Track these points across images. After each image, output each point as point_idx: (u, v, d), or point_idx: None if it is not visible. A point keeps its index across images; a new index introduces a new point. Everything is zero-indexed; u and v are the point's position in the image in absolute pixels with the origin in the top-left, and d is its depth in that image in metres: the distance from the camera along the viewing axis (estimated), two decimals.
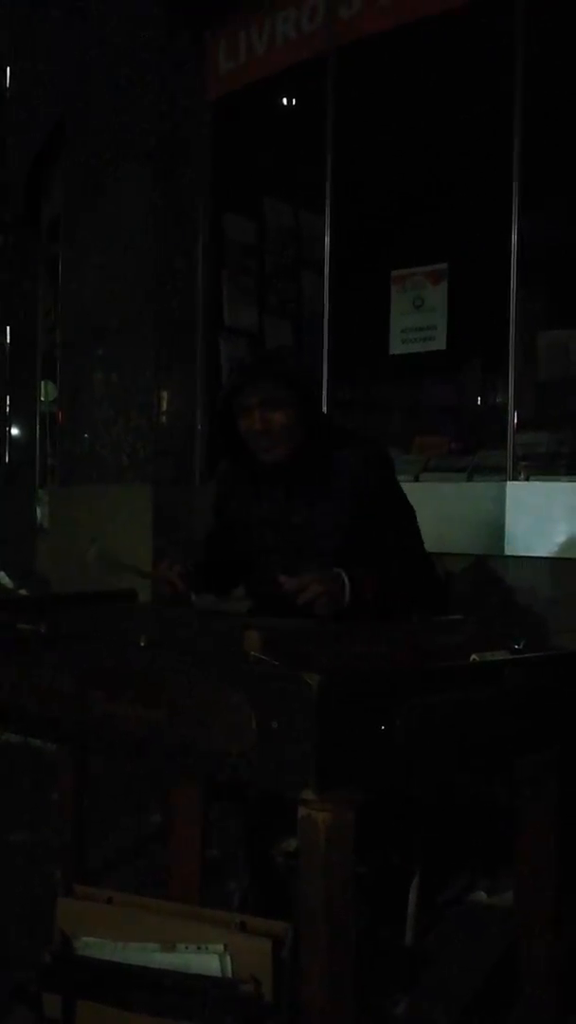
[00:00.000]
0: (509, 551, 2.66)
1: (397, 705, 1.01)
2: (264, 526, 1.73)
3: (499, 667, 1.20)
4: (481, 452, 3.06)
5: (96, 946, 1.24)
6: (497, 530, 2.69)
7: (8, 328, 6.54)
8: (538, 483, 2.74)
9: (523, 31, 2.81)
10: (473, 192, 3.21)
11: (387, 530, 1.67)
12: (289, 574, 1.55)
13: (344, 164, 3.35)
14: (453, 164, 3.48)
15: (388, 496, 1.70)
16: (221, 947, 1.18)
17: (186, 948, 1.19)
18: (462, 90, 3.26)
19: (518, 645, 1.29)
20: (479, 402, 3.68)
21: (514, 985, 1.34)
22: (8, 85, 6.35)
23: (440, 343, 3.08)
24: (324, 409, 1.78)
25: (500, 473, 2.84)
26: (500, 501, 2.71)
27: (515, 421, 2.85)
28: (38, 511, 5.80)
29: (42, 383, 6.01)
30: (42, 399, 6.03)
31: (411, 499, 1.76)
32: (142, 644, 1.21)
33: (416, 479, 2.97)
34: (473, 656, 1.23)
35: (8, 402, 6.63)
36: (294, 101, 3.94)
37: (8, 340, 6.53)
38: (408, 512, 1.74)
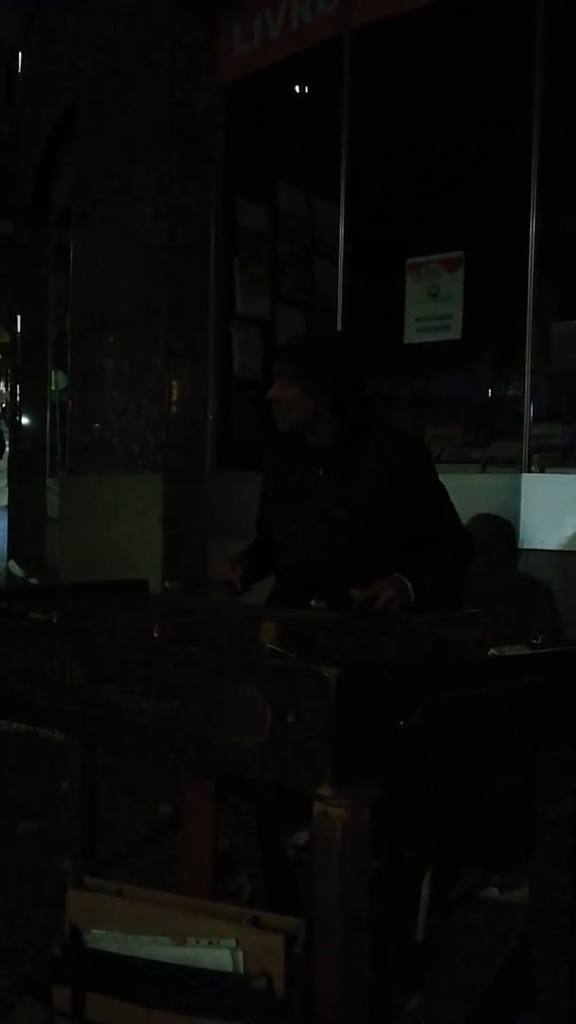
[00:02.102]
0: (524, 544, 2.63)
1: (415, 700, 0.99)
2: (292, 501, 1.80)
3: (518, 662, 1.17)
4: (495, 444, 3.03)
5: (106, 939, 1.23)
6: (512, 523, 2.66)
7: (19, 317, 6.53)
8: (554, 475, 2.71)
9: (544, 13, 2.75)
10: (491, 179, 3.16)
11: (428, 517, 1.76)
12: (304, 548, 1.66)
13: (359, 150, 3.30)
14: (470, 150, 3.43)
15: (424, 484, 1.78)
16: (233, 942, 1.17)
17: (197, 942, 1.18)
18: (480, 74, 3.20)
19: (537, 639, 1.27)
20: (493, 393, 3.64)
21: (527, 982, 1.32)
22: (20, 71, 6.30)
23: (456, 332, 3.04)
24: (362, 398, 1.88)
25: (514, 465, 2.81)
26: (515, 493, 2.68)
27: (531, 412, 2.81)
28: (49, 500, 5.80)
29: (53, 372, 6.00)
30: (53, 388, 6.02)
31: None
32: (155, 635, 1.19)
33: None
34: (492, 650, 1.20)
35: (19, 391, 6.62)
36: (308, 85, 3.89)
37: (19, 329, 6.51)
38: (443, 492, 1.82)
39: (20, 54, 6.26)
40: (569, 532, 2.55)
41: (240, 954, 1.16)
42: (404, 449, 1.76)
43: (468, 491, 2.80)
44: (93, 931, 1.24)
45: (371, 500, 1.71)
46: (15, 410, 6.66)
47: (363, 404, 1.82)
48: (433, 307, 3.08)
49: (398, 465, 1.73)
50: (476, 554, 1.87)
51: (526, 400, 2.82)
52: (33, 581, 5.19)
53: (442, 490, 1.82)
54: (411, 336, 3.15)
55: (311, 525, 1.75)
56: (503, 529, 2.61)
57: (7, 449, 6.83)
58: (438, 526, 1.77)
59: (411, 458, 1.76)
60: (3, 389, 11.91)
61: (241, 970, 1.16)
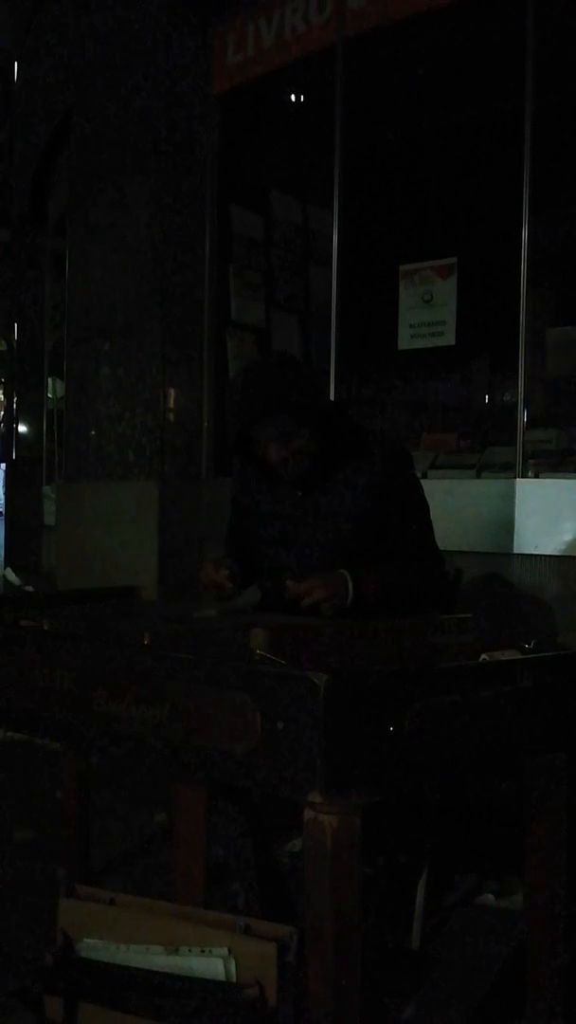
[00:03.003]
0: (518, 549, 2.64)
1: (406, 705, 0.99)
2: (274, 522, 1.73)
3: (510, 667, 1.17)
4: (490, 449, 3.03)
5: (98, 948, 1.22)
6: (506, 527, 2.66)
7: (16, 325, 6.54)
8: (548, 480, 2.71)
9: (535, 22, 2.77)
10: (483, 186, 3.18)
11: (397, 526, 1.67)
12: (297, 570, 1.54)
13: (352, 157, 3.31)
14: (463, 157, 3.45)
15: (404, 492, 1.71)
16: (225, 950, 1.16)
17: (189, 951, 1.18)
18: (473, 82, 3.22)
19: (529, 645, 1.27)
20: (487, 399, 3.65)
21: (522, 989, 1.31)
22: (15, 80, 6.33)
23: (449, 338, 3.05)
24: (339, 407, 1.76)
25: (509, 470, 2.82)
26: (510, 498, 2.68)
27: (525, 418, 2.81)
28: (45, 508, 5.80)
29: (49, 380, 6.00)
30: (49, 396, 6.02)
31: None
32: (145, 642, 1.19)
33: (424, 476, 2.94)
34: (483, 656, 1.20)
35: (15, 399, 6.63)
36: (302, 94, 3.91)
37: (16, 337, 6.52)
38: (421, 508, 1.74)
39: (16, 63, 6.29)
40: (563, 537, 2.55)
41: (232, 962, 1.15)
42: (388, 459, 1.69)
43: (463, 496, 2.80)
44: (85, 940, 1.23)
45: (360, 515, 1.65)
46: (12, 418, 6.66)
47: (345, 416, 1.75)
48: (427, 313, 3.09)
49: (383, 475, 1.66)
50: (446, 583, 1.77)
51: (520, 405, 2.83)
52: (29, 588, 5.18)
53: (422, 506, 1.74)
54: (405, 342, 3.16)
55: (302, 545, 1.69)
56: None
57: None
58: (408, 538, 1.68)
59: (395, 468, 1.69)
60: (0, 397, 11.93)
61: (234, 979, 1.15)
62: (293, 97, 3.97)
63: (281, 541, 1.71)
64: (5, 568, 6.00)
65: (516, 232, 2.81)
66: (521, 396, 2.83)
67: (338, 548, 1.65)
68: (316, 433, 1.64)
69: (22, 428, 6.54)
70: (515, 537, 2.64)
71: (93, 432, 3.97)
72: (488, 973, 1.58)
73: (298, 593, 1.52)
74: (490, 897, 1.86)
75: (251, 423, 1.64)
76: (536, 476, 2.75)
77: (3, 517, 6.23)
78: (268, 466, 1.69)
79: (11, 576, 5.70)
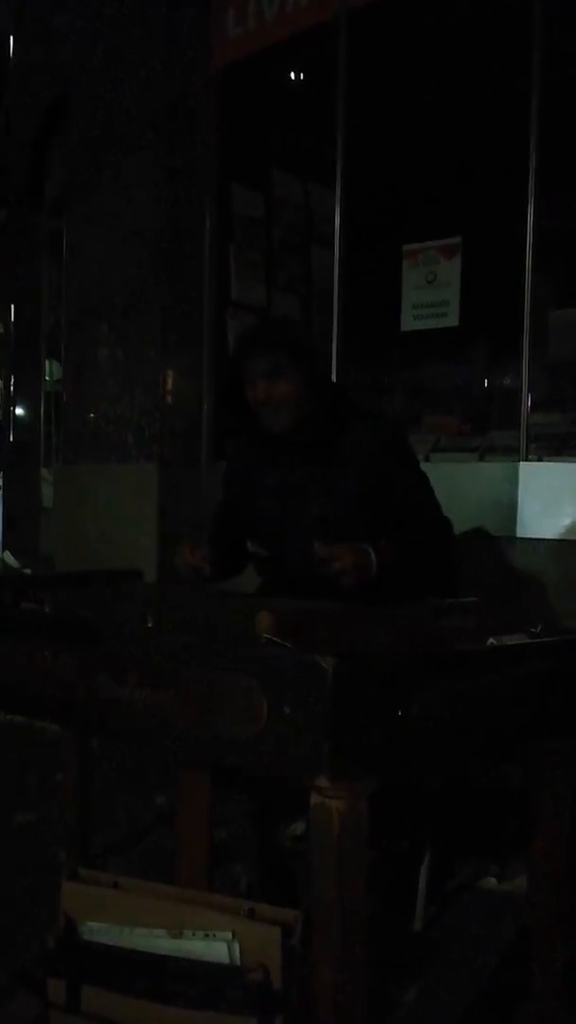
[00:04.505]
0: (521, 532, 2.62)
1: (414, 690, 0.97)
2: (274, 498, 1.72)
3: (517, 651, 1.16)
4: (493, 432, 3.01)
5: (101, 931, 1.21)
6: (509, 511, 2.65)
7: (12, 307, 6.47)
8: (551, 464, 2.69)
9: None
10: (488, 165, 3.13)
11: (405, 501, 1.68)
12: (299, 545, 1.56)
13: (355, 135, 3.26)
14: (468, 135, 3.39)
15: (403, 468, 1.71)
16: (229, 934, 1.16)
17: (193, 935, 1.17)
18: (478, 58, 3.16)
19: (535, 629, 1.25)
20: (490, 381, 3.62)
21: (525, 972, 1.31)
22: (11, 57, 6.22)
23: (453, 320, 3.01)
24: (336, 383, 1.77)
25: (512, 454, 2.80)
26: (512, 482, 2.67)
27: (528, 401, 2.79)
28: (43, 491, 5.77)
29: (47, 362, 5.95)
30: (47, 378, 5.97)
31: None
32: (149, 625, 1.18)
33: (426, 459, 2.92)
34: (491, 640, 1.19)
35: (13, 382, 6.58)
36: (304, 69, 3.84)
37: (12, 319, 6.45)
38: (423, 481, 1.74)
39: (11, 40, 6.17)
40: (566, 521, 2.54)
41: (236, 946, 1.15)
42: (382, 435, 1.68)
43: (466, 480, 2.78)
44: (88, 923, 1.22)
45: (357, 491, 1.64)
46: (9, 401, 6.62)
47: (338, 387, 1.76)
48: (430, 294, 3.06)
49: (377, 451, 1.65)
50: (455, 544, 1.78)
51: (524, 389, 2.81)
52: (27, 571, 5.17)
53: (421, 476, 1.75)
54: (408, 323, 3.12)
55: (298, 524, 1.67)
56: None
57: None
58: (415, 510, 1.68)
59: (389, 443, 1.68)
60: None
61: (238, 962, 1.15)
62: (295, 73, 3.90)
63: (278, 521, 1.70)
64: (4, 551, 5.99)
65: (521, 213, 2.77)
66: (525, 379, 2.80)
67: (336, 528, 1.63)
68: (305, 385, 1.63)
69: (19, 411, 6.49)
70: (518, 521, 2.63)
71: (92, 415, 3.94)
72: (491, 956, 1.58)
73: (325, 556, 1.51)
74: (492, 880, 1.86)
75: (243, 359, 1.65)
76: (539, 459, 2.73)
77: (1, 500, 6.21)
78: (263, 436, 1.67)
79: (9, 559, 5.69)
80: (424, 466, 1.81)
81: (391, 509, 1.65)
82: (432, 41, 3.24)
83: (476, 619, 1.32)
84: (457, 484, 2.72)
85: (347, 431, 1.66)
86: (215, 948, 1.15)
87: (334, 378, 3.28)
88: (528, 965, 1.29)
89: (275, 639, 1.01)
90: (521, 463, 2.72)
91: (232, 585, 1.83)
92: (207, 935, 1.16)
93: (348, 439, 1.66)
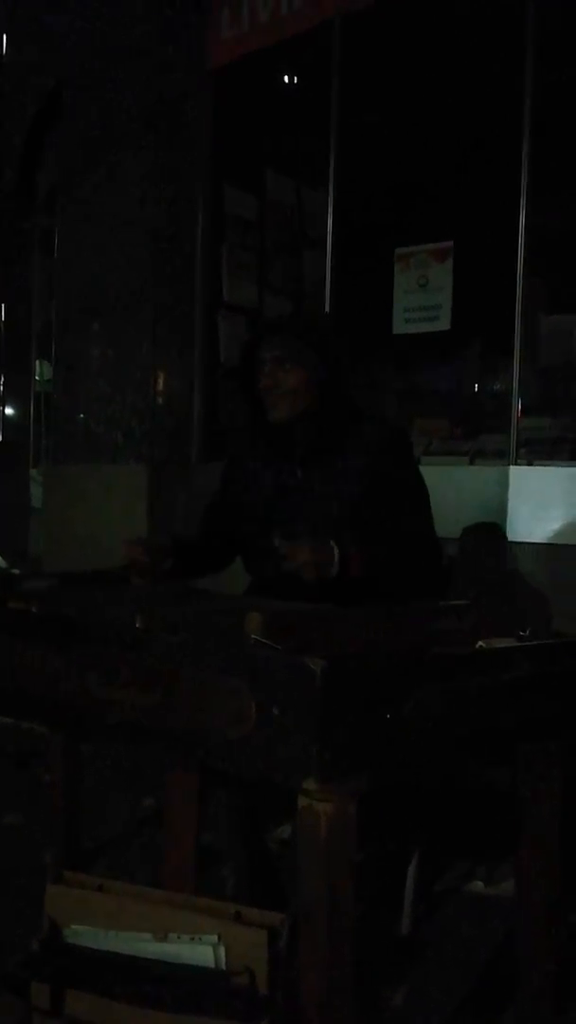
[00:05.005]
0: (511, 536, 2.63)
1: (404, 692, 0.97)
2: (268, 496, 1.71)
3: (506, 654, 1.16)
4: (483, 436, 3.02)
5: (86, 934, 1.20)
6: (499, 515, 2.65)
7: (2, 306, 6.43)
8: (541, 468, 2.71)
9: (536, 3, 2.73)
10: (481, 169, 3.14)
11: (395, 509, 1.65)
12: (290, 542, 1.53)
13: (348, 137, 3.27)
14: (461, 139, 3.40)
15: (402, 475, 1.68)
16: (215, 937, 1.15)
17: (179, 938, 1.16)
18: (471, 62, 3.17)
19: (524, 632, 1.26)
20: (481, 385, 3.63)
21: (512, 975, 1.31)
22: (4, 52, 6.19)
23: (444, 323, 3.02)
24: (346, 387, 1.75)
25: (502, 457, 2.81)
26: (503, 486, 2.68)
27: (519, 405, 2.80)
28: (32, 491, 5.74)
29: (37, 362, 5.93)
30: (37, 378, 5.95)
31: None
32: (138, 625, 1.17)
33: (417, 462, 2.91)
34: (480, 643, 1.19)
35: (3, 382, 6.54)
36: (297, 72, 3.85)
37: (3, 318, 6.42)
38: (420, 493, 1.71)
39: (4, 35, 6.15)
40: (556, 524, 2.55)
41: (222, 950, 1.14)
42: (384, 439, 1.66)
43: (456, 483, 2.79)
44: (73, 926, 1.21)
45: (357, 496, 1.62)
46: None
47: (351, 389, 1.75)
48: (422, 297, 3.06)
49: (378, 455, 1.64)
50: (444, 576, 1.75)
51: (514, 393, 2.82)
52: (15, 572, 5.14)
53: (420, 493, 1.69)
54: (400, 326, 3.13)
55: (290, 523, 1.65)
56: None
57: None
58: (404, 524, 1.64)
59: (390, 447, 1.67)
60: None
61: (223, 966, 1.14)
62: (288, 74, 3.90)
63: (270, 519, 1.69)
64: None
65: (513, 218, 2.78)
66: (516, 383, 2.81)
67: (329, 531, 1.61)
68: (312, 379, 1.61)
69: (9, 411, 6.46)
70: (508, 524, 2.64)
71: (82, 414, 3.92)
72: (478, 959, 1.58)
73: (283, 552, 1.50)
74: (479, 884, 1.86)
75: (259, 340, 1.63)
76: (529, 464, 2.74)
77: None
78: (267, 431, 1.66)
79: None
80: None
81: (380, 518, 1.62)
82: (426, 45, 3.25)
83: (467, 622, 1.31)
84: (447, 487, 2.73)
85: (349, 433, 1.65)
86: (201, 951, 1.15)
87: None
88: (515, 967, 1.29)
89: (264, 640, 1.01)
90: (511, 467, 2.73)
91: (222, 585, 1.82)
92: (193, 938, 1.15)
93: (350, 441, 1.64)
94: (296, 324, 1.63)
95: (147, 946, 1.17)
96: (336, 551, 1.50)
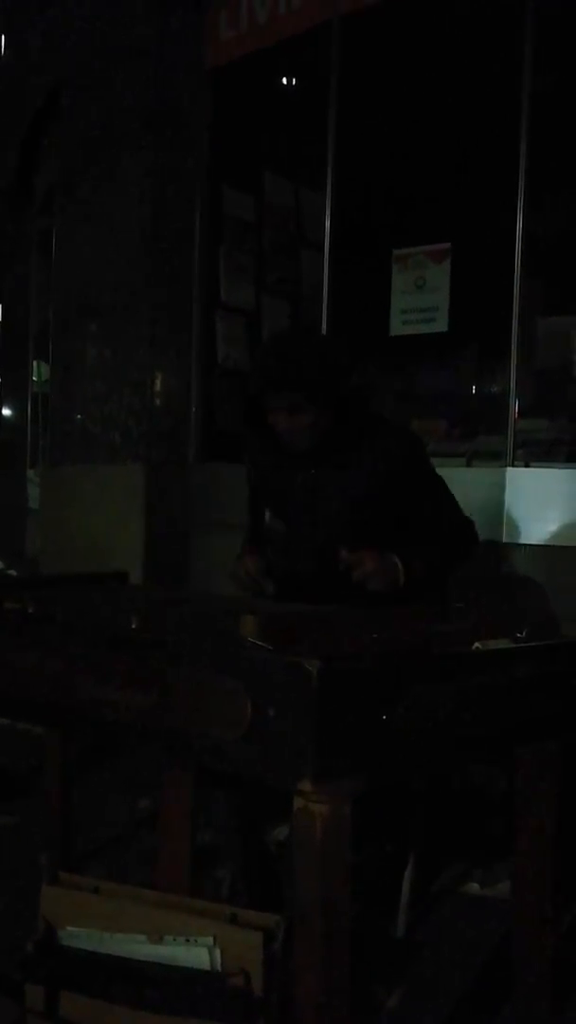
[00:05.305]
0: (508, 538, 2.63)
1: (400, 694, 0.97)
2: (287, 500, 1.74)
3: (503, 656, 1.16)
4: (480, 438, 3.02)
5: (81, 936, 1.20)
6: (496, 517, 2.65)
7: (0, 307, 6.43)
8: (538, 469, 2.70)
9: (534, 5, 2.73)
10: (479, 170, 3.14)
11: (426, 510, 1.71)
12: (301, 552, 1.61)
13: (347, 139, 3.27)
14: (459, 140, 3.41)
15: (419, 477, 1.73)
16: (210, 939, 1.15)
17: (174, 940, 1.16)
18: (469, 64, 3.18)
19: (520, 633, 1.26)
20: (478, 387, 3.63)
21: (508, 977, 1.31)
22: (2, 53, 6.19)
23: (442, 325, 3.02)
24: (360, 395, 1.78)
25: (499, 459, 2.80)
26: (500, 487, 2.67)
27: (516, 407, 2.80)
28: (29, 492, 5.73)
29: (35, 363, 5.92)
30: (35, 379, 5.94)
31: None
32: (133, 626, 1.17)
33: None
34: (476, 644, 1.19)
35: (0, 382, 6.53)
36: (296, 72, 3.85)
37: (0, 319, 6.41)
38: (440, 486, 1.78)
39: (2, 36, 6.15)
40: (553, 526, 2.55)
41: (217, 952, 1.14)
42: (398, 445, 1.70)
43: (453, 485, 2.77)
44: (68, 928, 1.21)
45: (366, 496, 1.66)
46: None
47: (361, 400, 1.77)
48: (419, 299, 3.06)
49: (392, 462, 1.67)
50: (477, 542, 1.82)
51: (511, 394, 2.82)
52: (12, 573, 5.13)
53: (440, 483, 1.78)
54: (397, 328, 3.13)
55: (305, 523, 1.70)
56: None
57: None
58: (438, 519, 1.72)
59: (406, 454, 1.71)
60: None
61: (219, 968, 1.14)
62: (287, 75, 3.90)
63: (289, 521, 1.72)
64: None
65: (511, 219, 2.78)
66: (513, 385, 2.81)
67: (343, 532, 1.65)
68: (328, 412, 1.63)
69: (6, 411, 6.45)
70: (504, 526, 2.64)
71: (79, 415, 3.91)
72: (474, 960, 1.58)
73: (347, 561, 1.55)
74: (475, 885, 1.86)
75: (262, 393, 1.63)
76: (526, 465, 2.74)
77: None
78: (276, 436, 1.69)
79: None
80: None
81: (410, 519, 1.68)
82: (424, 47, 3.25)
83: (463, 624, 1.32)
84: None
85: (365, 439, 1.68)
86: (196, 953, 1.14)
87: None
88: (512, 968, 1.29)
89: (260, 642, 1.00)
90: (508, 468, 2.72)
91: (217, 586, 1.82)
92: (188, 940, 1.15)
93: (366, 447, 1.68)
94: (299, 379, 1.59)
95: (142, 948, 1.17)
96: (399, 563, 1.57)
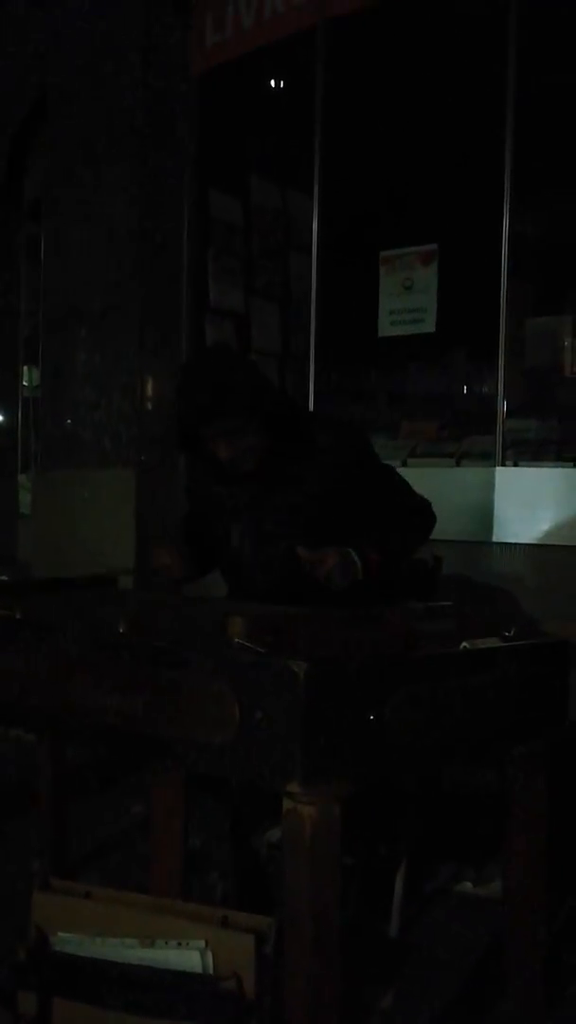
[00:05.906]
0: (497, 537, 2.64)
1: (387, 694, 0.97)
2: (232, 517, 1.73)
3: (490, 655, 1.17)
4: (469, 438, 3.03)
5: (73, 942, 1.20)
6: (485, 516, 2.66)
7: None
8: (527, 469, 2.71)
9: (518, 8, 2.75)
10: (465, 172, 3.16)
11: (381, 500, 1.70)
12: (255, 566, 1.60)
13: (333, 142, 3.28)
14: (445, 143, 3.42)
15: (369, 466, 1.73)
16: (202, 943, 1.15)
17: (166, 944, 1.16)
18: (455, 67, 3.19)
19: (508, 633, 1.26)
20: (467, 387, 3.64)
21: (500, 976, 1.31)
22: None
23: (430, 326, 3.03)
24: (289, 400, 1.77)
25: (488, 459, 2.82)
26: (489, 487, 2.69)
27: (505, 407, 2.81)
28: (20, 497, 5.72)
29: (25, 368, 5.91)
30: (25, 384, 5.93)
31: None
32: (121, 630, 1.17)
33: (403, 464, 2.93)
34: (464, 644, 1.19)
35: None
36: (282, 77, 3.86)
37: None
38: (391, 474, 1.78)
39: None
40: (542, 526, 2.56)
41: (209, 955, 1.14)
42: (341, 440, 1.69)
43: (442, 485, 2.79)
44: (60, 934, 1.21)
45: (319, 497, 1.65)
46: None
47: (291, 407, 1.75)
48: (407, 300, 3.07)
49: (340, 455, 1.67)
50: (435, 519, 1.81)
51: (500, 395, 2.83)
52: (4, 578, 5.11)
53: (388, 469, 1.78)
54: (385, 329, 3.14)
55: (256, 539, 1.68)
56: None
57: None
58: (391, 505, 1.72)
59: (350, 447, 1.70)
60: None
61: (210, 971, 1.13)
62: (273, 79, 3.91)
63: (239, 537, 1.70)
64: None
65: (497, 220, 2.80)
66: (501, 385, 2.83)
67: (298, 541, 1.63)
68: (263, 429, 1.63)
69: None
70: (494, 526, 2.65)
71: (69, 420, 3.91)
72: (466, 960, 1.58)
73: (309, 560, 1.55)
74: (468, 885, 1.87)
75: (195, 425, 1.62)
76: (515, 465, 2.75)
77: None
78: (218, 462, 1.67)
79: None
80: (401, 471, 1.83)
81: (363, 512, 1.67)
82: (410, 50, 3.26)
83: (451, 623, 1.32)
84: (434, 489, 2.72)
85: (306, 443, 1.67)
86: (188, 957, 1.14)
87: (311, 381, 3.30)
88: (504, 967, 1.29)
89: (247, 643, 1.01)
90: (497, 468, 2.74)
91: (204, 589, 1.83)
92: (180, 944, 1.15)
93: (309, 450, 1.67)
94: (236, 405, 1.58)
95: (134, 952, 1.17)
96: (355, 555, 1.57)
